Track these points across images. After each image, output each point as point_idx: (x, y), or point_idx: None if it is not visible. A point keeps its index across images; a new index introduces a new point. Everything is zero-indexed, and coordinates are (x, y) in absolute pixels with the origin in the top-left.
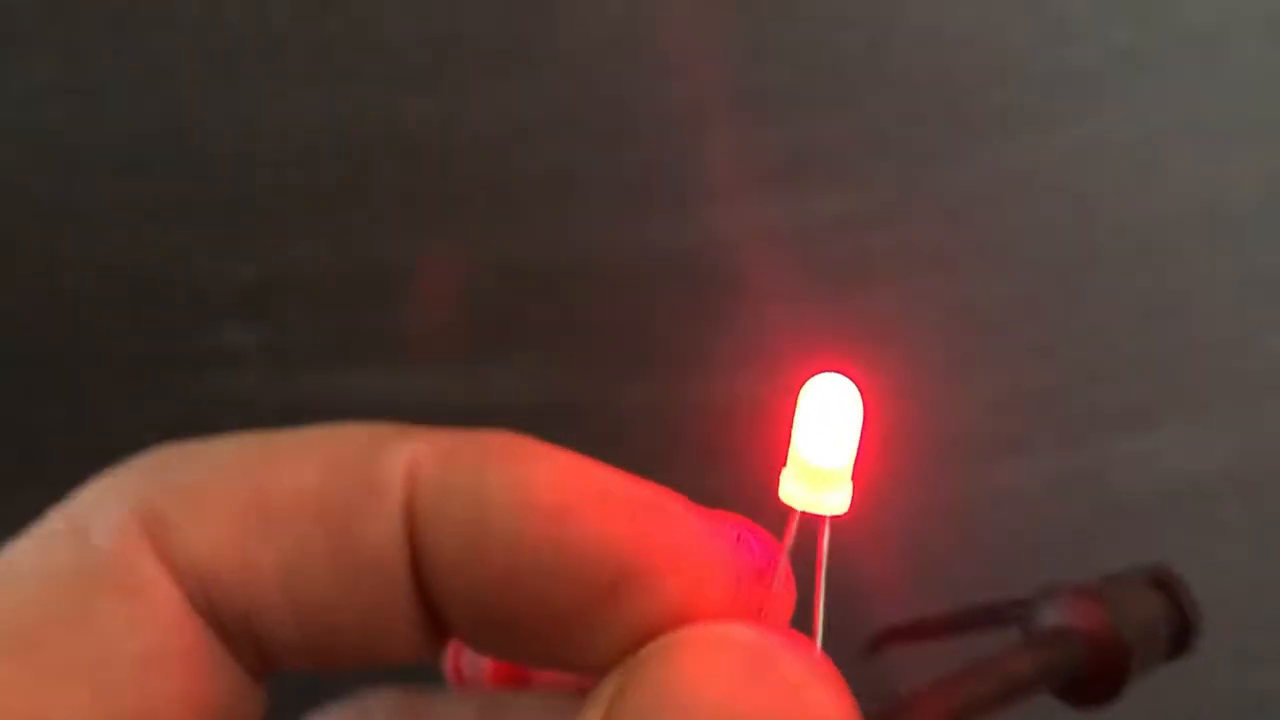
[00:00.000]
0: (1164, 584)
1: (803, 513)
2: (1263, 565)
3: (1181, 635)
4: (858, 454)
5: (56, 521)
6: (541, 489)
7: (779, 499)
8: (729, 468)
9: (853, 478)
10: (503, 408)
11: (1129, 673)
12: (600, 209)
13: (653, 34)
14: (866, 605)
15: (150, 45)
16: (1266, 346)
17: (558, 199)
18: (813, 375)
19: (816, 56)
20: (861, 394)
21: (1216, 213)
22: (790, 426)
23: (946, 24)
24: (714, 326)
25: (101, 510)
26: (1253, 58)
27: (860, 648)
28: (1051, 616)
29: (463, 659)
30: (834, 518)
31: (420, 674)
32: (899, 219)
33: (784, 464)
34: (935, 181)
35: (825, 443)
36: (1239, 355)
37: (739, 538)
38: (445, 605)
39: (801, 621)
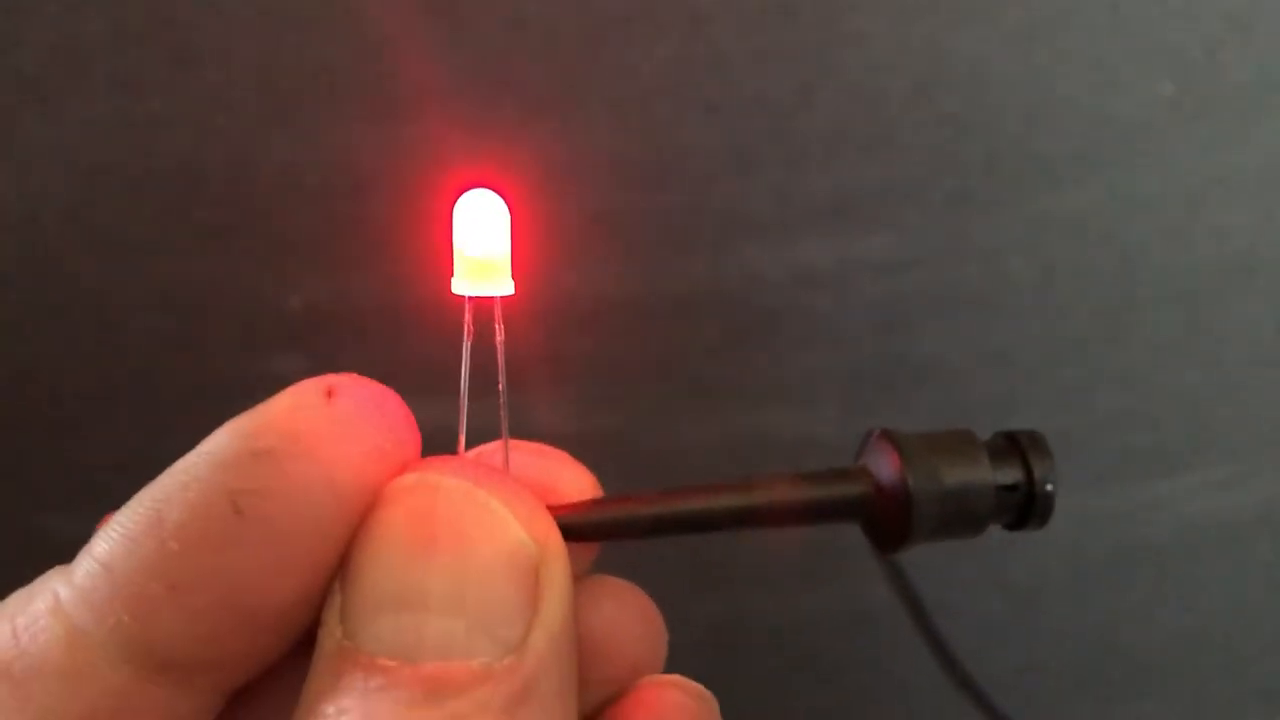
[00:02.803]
0: (1012, 450)
1: (474, 298)
2: None
3: (1027, 503)
4: (512, 249)
5: None
6: None
7: (453, 295)
8: None
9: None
10: (541, 440)
11: (910, 522)
12: (641, 248)
13: (695, 77)
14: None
15: (207, 80)
16: None
17: (600, 238)
18: (463, 193)
19: (859, 100)
20: (505, 200)
21: (1253, 262)
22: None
23: (989, 71)
24: (751, 363)
25: None
26: None
27: None
28: (867, 459)
29: None
30: (504, 299)
31: None
32: (939, 262)
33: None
34: (975, 226)
35: (479, 239)
36: (1273, 401)
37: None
38: None
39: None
